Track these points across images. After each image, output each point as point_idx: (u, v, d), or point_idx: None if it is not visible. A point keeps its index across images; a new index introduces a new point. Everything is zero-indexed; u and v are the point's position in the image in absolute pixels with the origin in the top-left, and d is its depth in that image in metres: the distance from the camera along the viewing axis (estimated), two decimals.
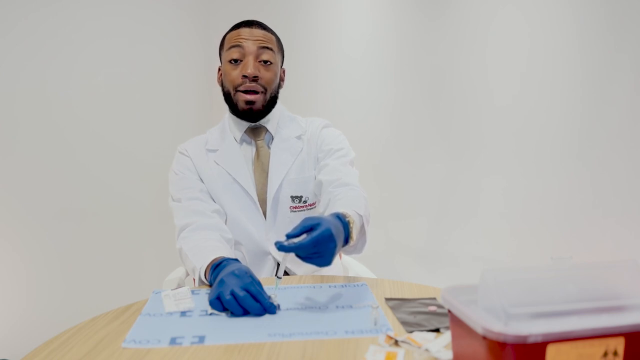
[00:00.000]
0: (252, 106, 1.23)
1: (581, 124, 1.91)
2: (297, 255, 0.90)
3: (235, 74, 1.23)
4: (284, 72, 1.33)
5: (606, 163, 1.86)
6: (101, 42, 1.99)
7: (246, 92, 1.22)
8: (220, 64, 1.31)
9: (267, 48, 1.23)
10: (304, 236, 0.89)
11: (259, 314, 0.88)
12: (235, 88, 1.23)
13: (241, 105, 1.24)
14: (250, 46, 1.22)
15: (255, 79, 1.22)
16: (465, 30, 2.12)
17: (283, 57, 1.32)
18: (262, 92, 1.24)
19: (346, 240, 0.97)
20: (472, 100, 2.14)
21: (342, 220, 0.97)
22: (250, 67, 1.21)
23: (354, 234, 0.98)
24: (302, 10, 2.44)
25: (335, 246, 0.89)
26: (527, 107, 2.02)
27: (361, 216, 1.04)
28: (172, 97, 2.37)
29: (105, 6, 2.01)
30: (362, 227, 1.06)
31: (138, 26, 2.17)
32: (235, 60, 1.23)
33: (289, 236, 0.90)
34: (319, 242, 0.87)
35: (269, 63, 1.23)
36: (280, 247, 0.88)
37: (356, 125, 2.35)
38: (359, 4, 2.33)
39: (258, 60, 1.22)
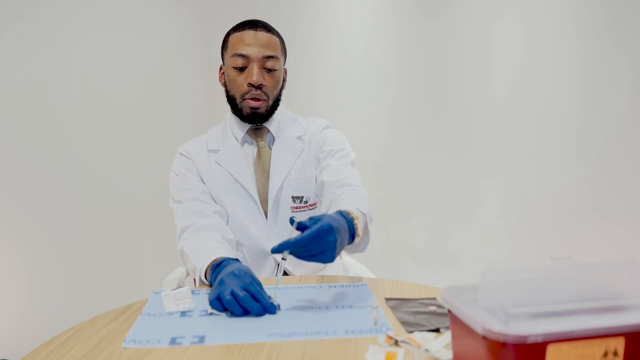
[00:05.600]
0: (256, 111, 1.24)
1: (579, 124, 1.91)
2: (300, 257, 0.90)
3: (241, 80, 1.23)
4: (285, 72, 1.33)
5: (609, 164, 1.86)
6: (101, 39, 1.99)
7: (251, 99, 1.23)
8: (222, 63, 1.31)
9: (272, 56, 1.23)
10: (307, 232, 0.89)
11: (259, 314, 0.88)
12: (242, 96, 1.24)
13: (246, 110, 1.25)
14: (255, 53, 1.21)
15: (260, 86, 1.22)
16: (465, 30, 2.12)
17: (286, 57, 1.32)
18: (265, 99, 1.24)
19: (352, 237, 0.97)
20: (473, 99, 2.15)
21: (346, 217, 0.97)
22: (255, 75, 1.21)
23: (360, 230, 0.99)
24: (302, 10, 2.44)
25: (335, 240, 0.89)
26: (528, 108, 2.02)
27: (365, 215, 1.05)
28: (173, 95, 2.37)
29: (105, 3, 2.00)
30: (366, 225, 1.06)
31: (138, 23, 2.17)
32: (240, 68, 1.23)
33: (294, 222, 0.91)
34: (318, 235, 0.87)
35: (273, 70, 1.24)
36: (280, 246, 0.88)
37: (356, 125, 2.35)
38: (359, 4, 2.33)
39: (262, 67, 1.22)
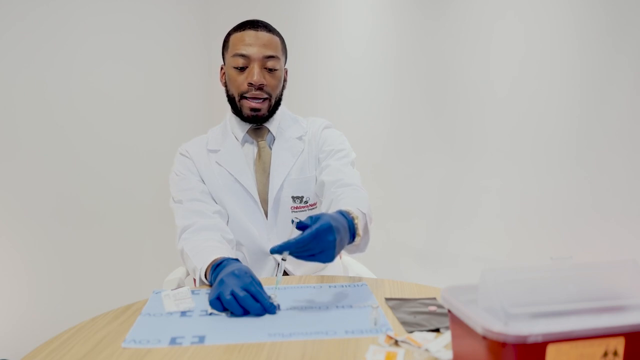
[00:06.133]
0: (257, 113, 1.24)
1: (579, 124, 1.91)
2: (300, 257, 0.90)
3: (241, 80, 1.23)
4: (286, 72, 1.33)
5: (609, 164, 1.86)
6: (101, 39, 1.99)
7: (252, 99, 1.23)
8: (223, 63, 1.31)
9: (273, 56, 1.22)
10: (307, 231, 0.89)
11: (259, 314, 0.88)
12: (241, 94, 1.24)
13: (246, 112, 1.25)
14: (256, 53, 1.21)
15: (260, 86, 1.22)
16: (465, 30, 2.12)
17: (286, 57, 1.32)
18: (267, 98, 1.24)
19: (352, 237, 0.97)
20: (473, 100, 2.15)
21: (346, 217, 0.97)
22: (255, 74, 1.21)
23: (360, 229, 0.99)
24: (302, 10, 2.44)
25: (335, 239, 0.89)
26: (528, 108, 2.02)
27: (365, 214, 1.05)
28: (173, 95, 2.37)
29: (105, 3, 2.00)
30: (366, 225, 1.06)
31: (138, 22, 2.17)
32: (241, 68, 1.23)
33: (294, 222, 0.91)
34: (318, 235, 0.87)
35: (274, 70, 1.24)
36: (280, 247, 0.88)
37: (356, 125, 2.35)
38: (359, 4, 2.33)
39: (263, 67, 1.22)
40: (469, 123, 2.17)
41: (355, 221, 0.98)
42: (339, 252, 0.92)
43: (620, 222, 1.84)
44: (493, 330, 0.52)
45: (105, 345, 0.79)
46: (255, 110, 1.24)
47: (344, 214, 0.97)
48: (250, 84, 1.22)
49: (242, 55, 1.21)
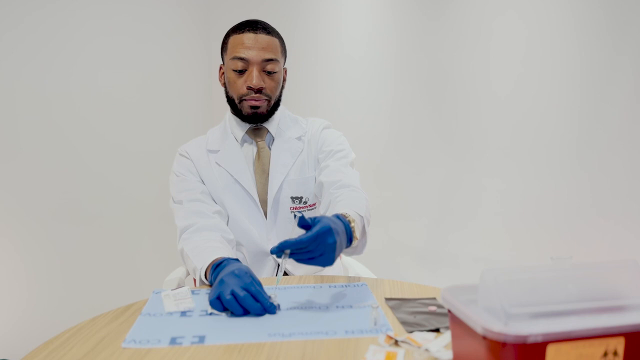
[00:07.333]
0: (256, 111, 1.24)
1: (580, 124, 1.91)
2: (300, 260, 0.90)
3: (240, 83, 1.23)
4: (285, 71, 1.33)
5: (609, 164, 1.86)
6: (102, 41, 1.99)
7: (251, 100, 1.23)
8: (222, 62, 1.31)
9: (272, 59, 1.22)
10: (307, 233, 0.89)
11: (259, 314, 0.88)
12: (241, 98, 1.24)
13: (246, 110, 1.25)
14: (255, 57, 1.21)
15: (259, 89, 1.22)
16: (465, 30, 2.12)
17: (286, 57, 1.32)
18: (266, 99, 1.24)
19: (350, 240, 0.97)
20: (473, 100, 2.15)
21: (343, 221, 0.97)
22: (255, 78, 1.20)
23: (357, 233, 0.99)
24: (302, 11, 2.44)
25: (335, 242, 0.89)
26: (528, 108, 2.02)
27: (362, 217, 1.05)
28: (173, 96, 2.37)
29: (106, 6, 2.01)
30: (363, 228, 1.06)
31: (138, 24, 2.17)
32: (240, 71, 1.23)
33: (296, 217, 0.91)
34: (318, 237, 0.87)
35: (273, 73, 1.24)
36: (279, 246, 0.88)
37: (357, 126, 2.35)
38: (359, 4, 2.34)
39: (262, 70, 1.22)
40: (469, 123, 2.17)
41: (352, 224, 0.98)
42: (338, 255, 0.92)
43: (620, 222, 1.84)
44: (493, 330, 0.52)
45: (105, 345, 0.79)
46: (255, 107, 1.24)
47: (340, 218, 0.97)
48: (250, 88, 1.22)
49: (241, 59, 1.21)
